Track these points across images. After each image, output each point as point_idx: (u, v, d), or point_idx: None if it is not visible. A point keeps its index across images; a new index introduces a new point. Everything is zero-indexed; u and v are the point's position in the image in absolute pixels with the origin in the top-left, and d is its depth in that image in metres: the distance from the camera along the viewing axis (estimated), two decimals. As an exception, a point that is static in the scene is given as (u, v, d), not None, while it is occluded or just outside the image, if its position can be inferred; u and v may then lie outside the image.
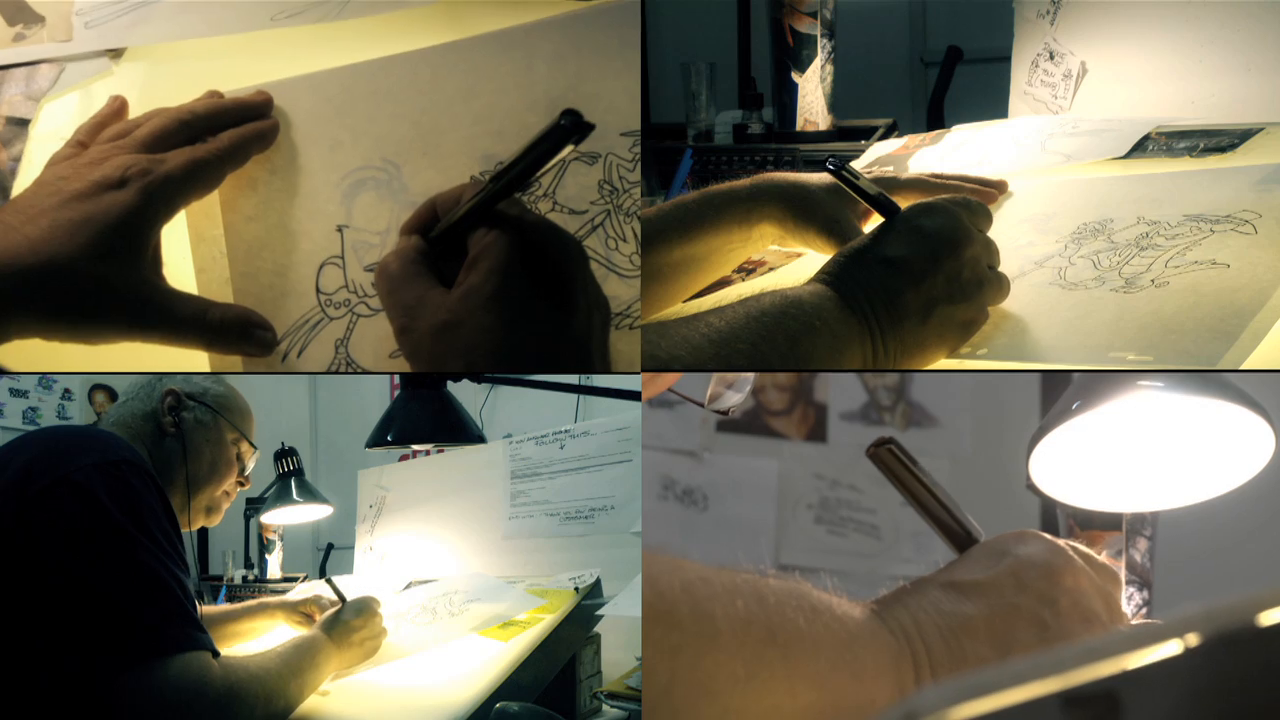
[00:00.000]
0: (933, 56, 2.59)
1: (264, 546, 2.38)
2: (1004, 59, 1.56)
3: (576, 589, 1.27)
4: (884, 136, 1.73)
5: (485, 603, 1.33)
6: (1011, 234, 1.01)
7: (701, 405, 0.88)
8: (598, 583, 1.29)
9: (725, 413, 0.89)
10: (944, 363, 0.85)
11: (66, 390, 3.04)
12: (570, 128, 0.65)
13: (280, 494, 2.01)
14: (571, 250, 0.71)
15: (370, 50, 0.84)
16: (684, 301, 1.06)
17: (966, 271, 0.84)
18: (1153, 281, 0.86)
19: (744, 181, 1.06)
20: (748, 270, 1.15)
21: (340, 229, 0.83)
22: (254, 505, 2.33)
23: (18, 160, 0.92)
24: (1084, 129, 1.28)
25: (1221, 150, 1.13)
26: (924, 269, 0.82)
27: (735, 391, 0.88)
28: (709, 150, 1.86)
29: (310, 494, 2.03)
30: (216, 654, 0.99)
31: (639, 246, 0.81)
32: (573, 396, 2.06)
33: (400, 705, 1.16)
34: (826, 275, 0.82)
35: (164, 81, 0.89)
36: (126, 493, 1.00)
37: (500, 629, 1.25)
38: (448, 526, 1.67)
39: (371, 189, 0.82)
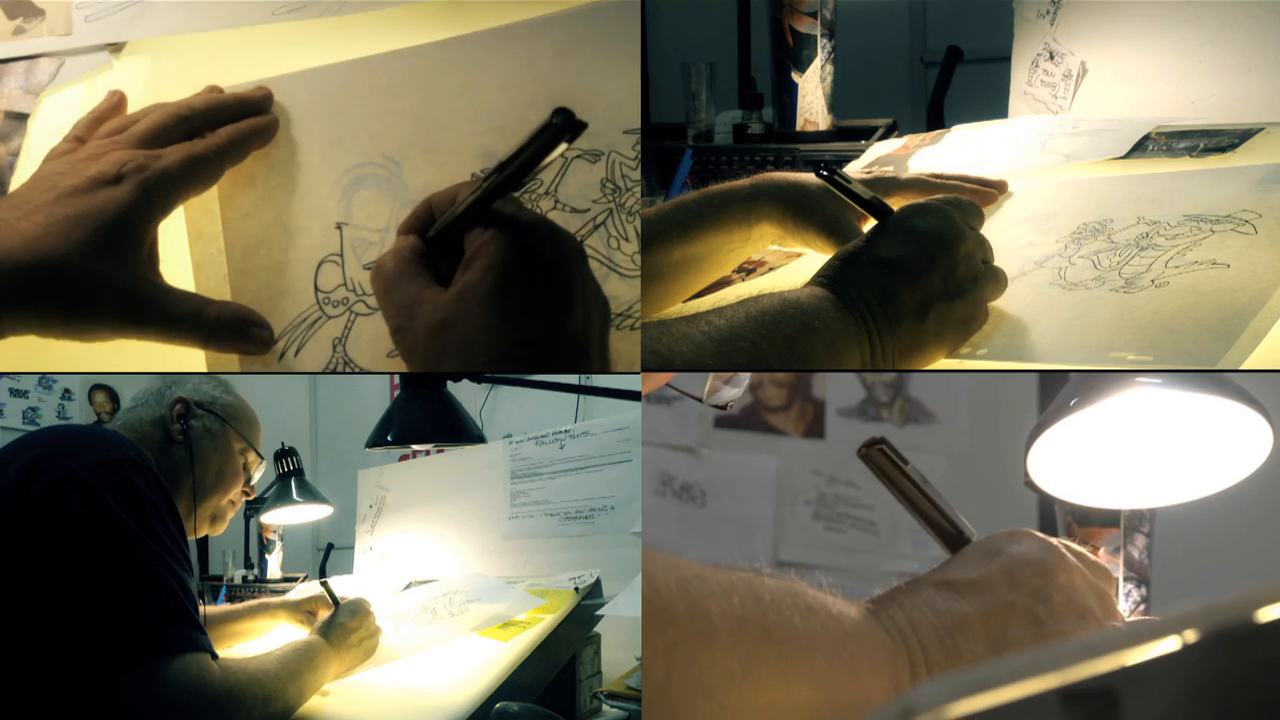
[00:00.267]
0: (933, 56, 2.59)
1: (264, 546, 2.38)
2: (1004, 59, 1.56)
3: (576, 589, 1.27)
4: (884, 136, 1.73)
5: (485, 603, 1.33)
6: (1011, 234, 1.01)
7: (700, 400, 0.88)
8: (598, 583, 1.29)
9: (723, 407, 0.89)
10: (944, 363, 0.85)
11: (66, 390, 3.04)
12: (562, 126, 0.64)
13: (280, 494, 2.01)
14: (569, 249, 0.70)
15: (371, 46, 0.83)
16: (684, 301, 1.06)
17: (961, 268, 0.84)
18: (1153, 281, 0.86)
19: (744, 181, 1.06)
20: (748, 270, 1.15)
21: (339, 226, 0.82)
22: (254, 505, 2.33)
23: (16, 155, 0.92)
24: (1084, 129, 1.28)
25: (1221, 150, 1.13)
26: (918, 268, 0.82)
27: (733, 386, 0.88)
28: (709, 150, 1.86)
29: (310, 494, 2.03)
30: (215, 656, 0.99)
31: (640, 245, 0.81)
32: (573, 396, 2.06)
33: (400, 705, 1.16)
34: (823, 278, 0.83)
35: (164, 76, 0.88)
36: (130, 491, 1.00)
37: (500, 629, 1.25)
38: (448, 526, 1.67)
39: (371, 186, 0.82)
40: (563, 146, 0.66)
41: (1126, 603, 1.02)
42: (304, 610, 1.48)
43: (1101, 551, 1.02)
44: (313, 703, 1.13)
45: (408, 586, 1.56)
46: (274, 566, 2.38)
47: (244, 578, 2.41)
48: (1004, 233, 1.01)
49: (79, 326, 0.73)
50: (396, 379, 2.51)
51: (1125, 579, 1.02)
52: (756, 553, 0.64)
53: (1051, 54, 1.48)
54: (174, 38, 0.90)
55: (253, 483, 1.35)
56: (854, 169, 1.40)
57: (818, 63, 1.77)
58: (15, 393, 2.96)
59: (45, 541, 0.96)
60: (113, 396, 3.07)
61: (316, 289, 0.82)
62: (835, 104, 1.81)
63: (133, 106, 0.84)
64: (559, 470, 1.54)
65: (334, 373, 0.81)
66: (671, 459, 2.09)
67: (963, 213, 0.88)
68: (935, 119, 1.98)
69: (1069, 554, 0.69)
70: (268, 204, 0.83)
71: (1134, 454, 0.85)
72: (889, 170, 1.34)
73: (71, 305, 0.72)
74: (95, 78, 0.92)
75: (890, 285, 0.81)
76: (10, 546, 0.96)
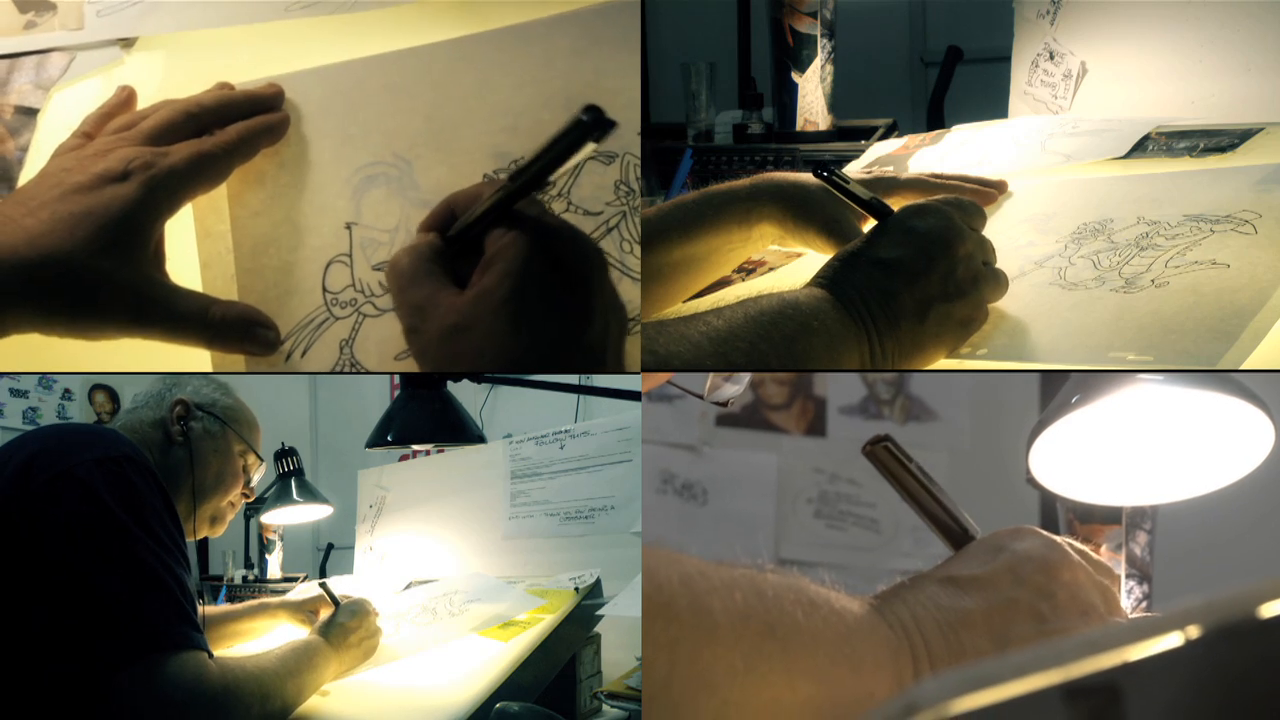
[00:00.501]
0: (933, 56, 2.59)
1: (264, 546, 2.38)
2: (1004, 59, 1.56)
3: (576, 589, 1.27)
4: (884, 136, 1.73)
5: (485, 603, 1.33)
6: (1011, 234, 1.02)
7: (700, 397, 0.88)
8: (598, 583, 1.29)
9: (724, 404, 0.89)
10: (944, 363, 0.85)
11: (66, 390, 3.04)
12: (592, 124, 0.61)
13: (280, 494, 2.01)
14: (590, 255, 0.68)
15: (384, 43, 0.82)
16: (683, 302, 1.06)
17: (961, 269, 0.84)
18: (1153, 281, 0.86)
19: (744, 181, 1.06)
20: (748, 270, 1.15)
21: (349, 226, 0.81)
22: (254, 505, 2.33)
23: (25, 150, 0.91)
24: (1084, 129, 1.28)
25: (1221, 150, 1.13)
26: (918, 269, 0.82)
27: (734, 383, 0.88)
28: (709, 150, 1.86)
29: (310, 494, 2.03)
30: (211, 655, 0.99)
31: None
32: (573, 396, 2.06)
33: (400, 705, 1.16)
34: (822, 279, 0.83)
35: (175, 72, 0.87)
36: (128, 489, 1.00)
37: (500, 629, 1.25)
38: (448, 526, 1.67)
39: (382, 185, 0.80)
40: (590, 147, 0.62)
41: (1129, 599, 1.03)
42: (305, 610, 1.48)
43: (1104, 548, 1.02)
44: (312, 703, 1.13)
45: (408, 586, 1.56)
46: (274, 566, 2.38)
47: (244, 578, 2.41)
48: (1004, 233, 1.01)
49: (83, 324, 0.73)
50: (396, 379, 2.51)
51: (1127, 576, 1.02)
52: (758, 551, 0.64)
53: (1051, 54, 1.49)
54: (186, 33, 0.90)
55: (252, 485, 1.35)
56: (854, 169, 1.40)
57: (818, 63, 1.77)
58: (15, 392, 2.96)
59: (43, 538, 0.96)
60: (113, 397, 3.07)
61: (324, 289, 0.81)
62: (835, 104, 1.82)
63: (144, 103, 0.83)
64: (559, 470, 1.54)
65: (335, 372, 0.80)
66: (673, 457, 2.09)
67: (964, 213, 0.88)
68: (935, 119, 1.98)
69: (1072, 551, 0.69)
70: (277, 202, 0.81)
71: (1136, 451, 0.86)
72: (889, 170, 1.34)
73: (75, 303, 0.71)
74: (107, 73, 0.91)
75: (889, 286, 0.81)
76: (8, 543, 0.96)
